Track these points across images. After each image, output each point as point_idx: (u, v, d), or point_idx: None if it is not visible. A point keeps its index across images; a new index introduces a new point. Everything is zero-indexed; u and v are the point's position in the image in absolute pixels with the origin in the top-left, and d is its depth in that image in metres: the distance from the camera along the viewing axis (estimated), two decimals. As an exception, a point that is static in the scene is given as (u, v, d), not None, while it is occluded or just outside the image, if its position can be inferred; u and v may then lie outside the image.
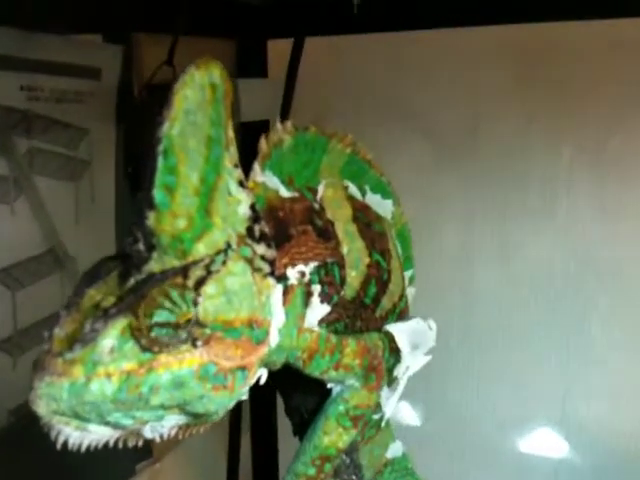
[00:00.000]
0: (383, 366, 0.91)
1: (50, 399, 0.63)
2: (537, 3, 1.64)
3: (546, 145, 1.87)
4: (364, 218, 1.00)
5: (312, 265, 0.84)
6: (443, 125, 1.97)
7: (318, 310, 0.86)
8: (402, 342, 0.99)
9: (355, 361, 0.88)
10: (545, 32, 1.73)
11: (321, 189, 0.94)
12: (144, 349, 0.65)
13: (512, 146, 1.91)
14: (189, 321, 0.66)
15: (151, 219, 0.63)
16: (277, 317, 0.77)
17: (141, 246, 0.68)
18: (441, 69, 1.93)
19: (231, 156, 0.69)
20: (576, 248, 1.91)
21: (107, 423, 0.66)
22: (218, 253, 0.70)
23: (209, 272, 0.69)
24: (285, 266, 0.82)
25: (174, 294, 0.66)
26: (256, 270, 0.71)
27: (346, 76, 2.01)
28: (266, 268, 0.75)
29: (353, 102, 2.01)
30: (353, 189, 1.02)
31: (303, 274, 0.83)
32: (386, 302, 0.99)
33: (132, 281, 0.67)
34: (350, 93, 2.01)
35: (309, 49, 1.79)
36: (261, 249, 0.74)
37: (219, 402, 0.71)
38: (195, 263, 0.68)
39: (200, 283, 0.68)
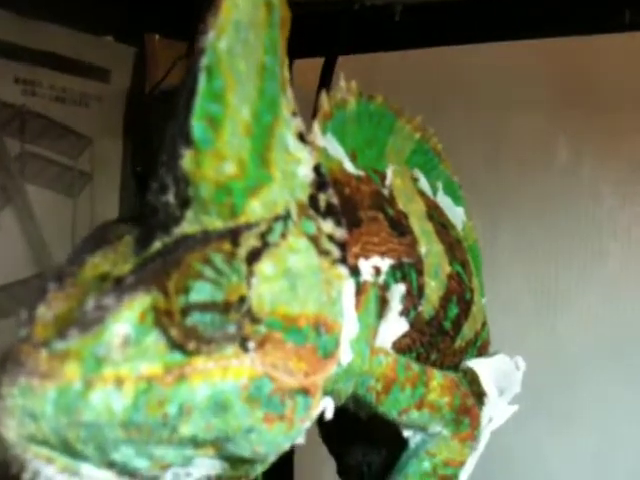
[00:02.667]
0: (478, 409, 0.68)
1: (26, 415, 0.41)
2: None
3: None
4: (439, 218, 0.79)
5: (388, 262, 0.62)
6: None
7: (394, 326, 0.64)
8: (488, 384, 0.75)
9: (443, 399, 0.66)
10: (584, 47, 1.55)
11: (389, 174, 0.74)
12: (174, 345, 0.44)
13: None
14: (242, 301, 0.44)
15: (187, 160, 0.46)
16: (349, 324, 0.55)
17: (171, 198, 0.46)
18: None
19: (288, 101, 0.52)
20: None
21: (111, 464, 0.44)
22: (276, 220, 0.49)
23: (265, 244, 0.48)
24: (356, 257, 0.60)
25: (220, 261, 0.44)
26: (322, 253, 0.53)
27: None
28: (335, 252, 0.54)
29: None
30: (424, 183, 0.81)
31: (378, 271, 0.61)
32: (467, 329, 0.78)
33: (157, 245, 0.46)
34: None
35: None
36: (328, 226, 0.54)
37: (271, 440, 0.49)
38: (248, 227, 0.47)
39: (254, 257, 0.47)
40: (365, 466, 0.73)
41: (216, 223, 0.47)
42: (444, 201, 0.84)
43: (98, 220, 1.30)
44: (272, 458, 0.52)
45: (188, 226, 0.47)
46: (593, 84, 1.62)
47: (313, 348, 0.50)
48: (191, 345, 0.44)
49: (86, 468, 0.43)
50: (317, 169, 0.54)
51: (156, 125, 1.26)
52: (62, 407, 0.41)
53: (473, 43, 1.59)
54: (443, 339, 0.76)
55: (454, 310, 0.77)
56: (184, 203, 0.47)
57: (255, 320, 0.47)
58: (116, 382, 0.42)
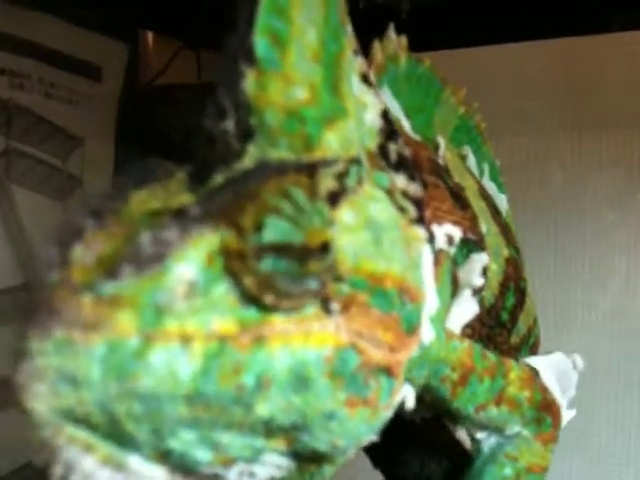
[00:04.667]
0: (559, 405, 0.59)
1: (62, 380, 0.32)
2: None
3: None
4: (490, 200, 0.71)
5: (459, 233, 0.54)
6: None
7: (467, 307, 0.55)
8: (552, 384, 0.66)
9: (523, 393, 0.57)
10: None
11: (442, 144, 0.65)
12: (248, 297, 0.35)
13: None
14: (325, 250, 0.36)
15: (250, 82, 0.39)
16: (429, 297, 0.46)
17: (231, 126, 0.38)
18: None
19: (349, 38, 0.44)
20: None
21: (165, 455, 0.35)
22: (352, 162, 0.41)
23: (343, 187, 0.39)
24: (429, 221, 0.51)
25: (301, 196, 0.35)
26: (399, 210, 0.45)
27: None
28: (411, 210, 0.45)
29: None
30: (472, 163, 0.73)
31: (451, 241, 0.52)
32: (522, 323, 0.70)
33: (219, 179, 0.37)
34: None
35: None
36: (401, 180, 0.46)
37: (352, 431, 0.40)
38: (325, 164, 0.38)
39: (333, 201, 0.38)
40: (424, 477, 0.63)
41: (286, 158, 0.38)
42: (489, 186, 0.76)
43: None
44: (345, 456, 0.42)
45: (250, 162, 0.38)
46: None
47: (397, 319, 0.41)
48: (268, 298, 0.35)
49: (134, 461, 0.34)
50: (385, 115, 0.46)
51: (150, 124, 1.18)
52: (113, 369, 0.32)
53: (481, 45, 1.54)
54: (500, 332, 0.67)
55: (511, 299, 0.68)
56: (245, 134, 0.38)
57: (337, 277, 0.38)
58: (182, 339, 0.33)
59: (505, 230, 0.71)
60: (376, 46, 0.59)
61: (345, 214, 0.39)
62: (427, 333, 0.46)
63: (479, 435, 0.58)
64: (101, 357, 0.31)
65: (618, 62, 1.49)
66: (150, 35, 1.30)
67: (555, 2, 1.44)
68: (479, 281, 0.54)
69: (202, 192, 0.36)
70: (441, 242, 0.51)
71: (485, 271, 0.60)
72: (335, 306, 0.37)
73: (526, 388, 0.56)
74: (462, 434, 0.64)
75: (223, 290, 0.34)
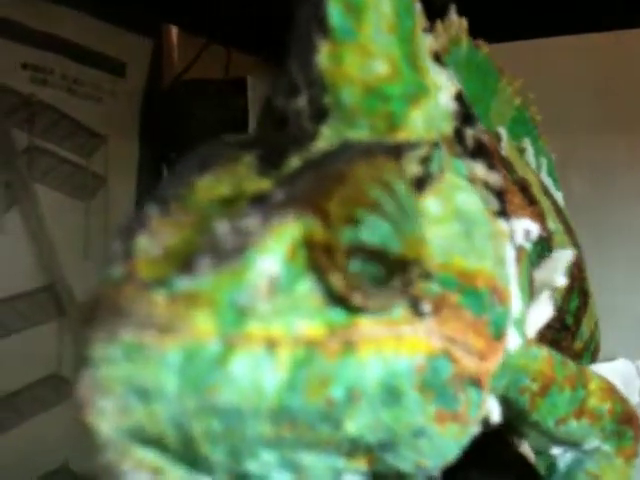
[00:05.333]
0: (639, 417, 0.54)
1: (132, 393, 0.26)
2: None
3: None
4: (551, 196, 0.66)
5: (536, 228, 0.49)
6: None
7: (544, 311, 0.50)
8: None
9: (604, 405, 0.52)
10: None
11: (504, 136, 0.60)
12: (335, 297, 0.30)
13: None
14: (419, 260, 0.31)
15: (324, 55, 0.35)
16: (514, 298, 0.42)
17: (303, 103, 0.33)
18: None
19: (418, 15, 0.40)
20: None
21: (241, 478, 0.30)
22: (434, 145, 0.36)
23: (427, 173, 0.35)
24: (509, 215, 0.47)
25: (401, 188, 0.30)
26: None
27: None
28: (494, 203, 0.40)
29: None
30: (530, 155, 0.68)
31: (529, 236, 0.48)
32: (585, 327, 0.65)
33: (295, 161, 0.32)
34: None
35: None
36: (480, 169, 0.42)
37: (440, 449, 0.36)
38: (410, 147, 0.34)
39: (418, 187, 0.34)
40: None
41: (366, 139, 0.34)
42: (547, 182, 0.72)
43: (112, 227, 1.16)
44: (425, 477, 0.38)
45: (325, 145, 0.34)
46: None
47: (487, 322, 0.37)
48: (357, 298, 0.30)
49: None
50: (459, 98, 0.41)
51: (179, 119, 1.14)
52: (191, 380, 0.27)
53: (506, 41, 1.48)
54: (565, 336, 0.63)
55: (575, 301, 0.64)
56: (319, 114, 0.34)
57: (426, 274, 0.33)
58: (267, 345, 0.28)
59: (568, 228, 0.66)
60: (439, 27, 0.55)
61: (431, 203, 0.34)
62: (512, 339, 0.42)
63: (554, 450, 0.53)
64: (177, 365, 0.27)
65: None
66: (174, 30, 1.26)
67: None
68: (562, 281, 0.50)
69: (278, 176, 0.32)
70: (520, 238, 0.47)
71: (570, 270, 0.56)
72: (426, 307, 0.33)
73: (607, 399, 0.52)
74: (525, 448, 0.60)
75: (307, 288, 0.30)
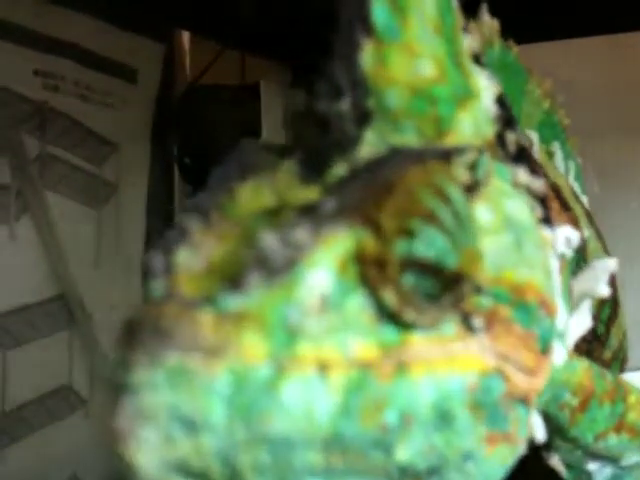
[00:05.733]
0: None
1: (177, 422, 0.25)
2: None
3: None
4: (581, 202, 0.65)
5: (576, 236, 0.47)
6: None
7: (583, 322, 0.49)
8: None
9: None
10: None
11: (535, 140, 0.59)
12: (388, 314, 0.29)
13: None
14: (473, 260, 0.30)
15: (368, 55, 0.33)
16: (558, 310, 0.40)
17: (346, 107, 0.32)
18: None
19: (458, 13, 0.39)
20: None
21: None
22: (481, 151, 0.34)
23: (476, 180, 0.33)
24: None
25: (458, 197, 0.30)
26: None
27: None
28: (537, 209, 0.38)
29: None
30: (559, 159, 0.66)
31: (570, 243, 0.46)
32: (614, 336, 0.62)
33: (340, 170, 0.30)
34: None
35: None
36: (523, 175, 0.40)
37: (488, 473, 0.34)
38: (459, 151, 0.32)
39: (468, 195, 0.33)
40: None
41: (414, 144, 0.32)
42: (575, 187, 0.70)
43: (123, 235, 1.14)
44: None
45: (370, 151, 0.32)
46: None
47: (535, 336, 0.35)
48: (409, 314, 0.28)
49: None
50: (501, 101, 0.40)
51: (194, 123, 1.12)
52: (240, 408, 0.25)
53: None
54: (596, 347, 0.61)
55: (607, 311, 0.62)
56: (362, 118, 0.32)
57: (478, 288, 0.31)
58: (319, 368, 0.26)
59: (599, 234, 0.65)
60: (473, 28, 0.53)
61: (481, 212, 0.33)
62: (558, 353, 0.40)
63: (591, 466, 0.51)
64: (226, 393, 0.25)
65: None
66: (186, 36, 1.25)
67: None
68: (605, 291, 0.48)
69: (324, 184, 0.30)
70: (562, 246, 0.45)
71: (612, 280, 0.54)
72: (478, 322, 0.31)
73: None
74: (555, 461, 0.58)
75: (359, 304, 0.28)
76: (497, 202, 0.34)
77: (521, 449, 0.35)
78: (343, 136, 0.32)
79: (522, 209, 0.36)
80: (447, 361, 0.29)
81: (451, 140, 0.33)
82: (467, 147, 0.33)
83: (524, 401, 0.34)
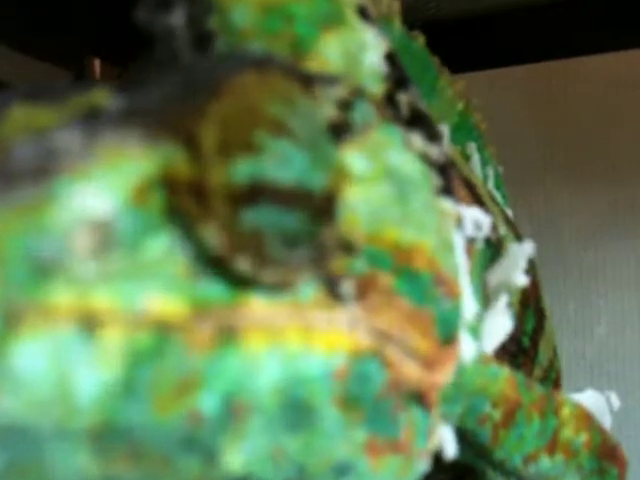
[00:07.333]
0: (622, 450, 0.47)
1: None
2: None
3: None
4: (501, 207, 0.60)
5: (487, 222, 0.42)
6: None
7: (502, 323, 0.43)
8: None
9: (580, 437, 0.44)
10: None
11: (446, 132, 0.54)
12: (211, 261, 0.22)
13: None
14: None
15: None
16: (465, 295, 0.34)
17: (179, 22, 0.27)
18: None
19: None
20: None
21: None
22: (357, 92, 0.29)
23: (348, 121, 0.28)
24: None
25: (309, 106, 0.24)
26: None
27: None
28: (434, 178, 0.33)
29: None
30: (476, 163, 0.62)
31: (480, 228, 0.41)
32: (543, 352, 0.56)
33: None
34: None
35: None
36: (418, 140, 0.34)
37: None
38: (324, 80, 0.26)
39: (336, 134, 0.26)
40: None
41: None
42: (495, 195, 0.65)
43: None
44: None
45: None
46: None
47: (431, 317, 0.29)
48: (244, 263, 0.22)
49: None
50: (391, 58, 0.35)
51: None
52: None
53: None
54: (524, 361, 0.55)
55: (531, 321, 0.57)
56: (202, 40, 0.27)
57: (347, 245, 0.25)
58: (81, 322, 0.19)
59: (521, 240, 0.60)
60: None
61: (354, 158, 0.27)
62: (467, 347, 0.34)
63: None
64: None
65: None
66: (97, 62, 1.19)
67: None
68: (523, 280, 0.42)
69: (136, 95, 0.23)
70: (469, 228, 0.39)
71: (532, 267, 0.49)
72: (348, 288, 0.25)
73: (584, 429, 0.43)
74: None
75: (164, 246, 0.21)
76: (377, 151, 0.28)
77: (421, 466, 0.29)
78: (174, 60, 0.26)
79: (409, 162, 0.30)
80: (301, 334, 0.22)
81: (313, 65, 0.28)
82: (337, 79, 0.27)
83: (420, 400, 0.28)
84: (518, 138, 1.35)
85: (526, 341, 0.55)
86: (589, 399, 0.60)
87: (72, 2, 1.06)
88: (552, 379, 0.63)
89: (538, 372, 0.58)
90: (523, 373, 0.54)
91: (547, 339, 0.60)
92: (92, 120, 0.21)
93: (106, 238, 0.20)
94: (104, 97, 0.22)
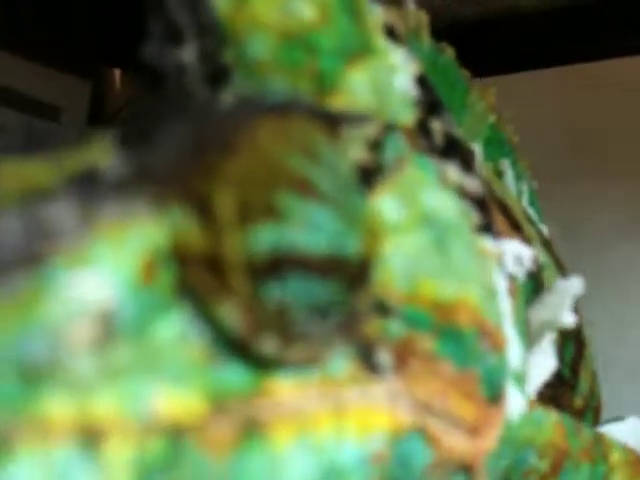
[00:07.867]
0: None
1: None
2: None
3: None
4: (537, 226, 0.57)
5: (528, 254, 0.39)
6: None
7: (546, 362, 0.40)
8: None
9: None
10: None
11: (478, 152, 0.51)
12: (231, 345, 0.19)
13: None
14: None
15: None
16: (510, 342, 0.31)
17: (191, 58, 0.24)
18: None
19: None
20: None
21: None
22: (388, 127, 0.26)
23: (378, 162, 0.24)
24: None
25: (321, 141, 0.20)
26: None
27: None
28: (474, 215, 0.31)
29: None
30: (510, 180, 0.58)
31: (521, 262, 0.37)
32: (583, 381, 0.52)
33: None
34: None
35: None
36: (454, 172, 0.31)
37: None
38: (350, 120, 0.23)
39: (367, 180, 0.23)
40: None
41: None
42: (529, 213, 0.62)
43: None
44: None
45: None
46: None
47: (475, 378, 0.26)
48: (270, 345, 0.19)
49: None
50: (422, 82, 0.32)
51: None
52: None
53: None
54: (564, 393, 0.52)
55: (570, 350, 0.54)
56: (217, 75, 0.24)
57: (383, 307, 0.22)
58: (84, 437, 0.16)
59: (559, 263, 0.56)
60: (392, 14, 0.45)
61: (387, 205, 0.24)
62: (514, 401, 0.31)
63: None
64: None
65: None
66: (117, 72, 1.17)
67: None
68: (570, 319, 0.39)
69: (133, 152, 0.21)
70: (511, 264, 0.36)
71: (577, 306, 0.46)
72: (385, 358, 0.22)
73: (636, 475, 0.41)
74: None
75: (175, 329, 0.18)
76: (411, 195, 0.25)
77: None
78: (187, 98, 0.23)
79: (447, 204, 0.27)
80: (334, 417, 0.20)
81: (339, 101, 0.25)
82: (367, 117, 0.24)
83: (466, 471, 0.25)
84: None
85: (567, 372, 0.52)
86: (630, 427, 0.57)
87: (87, 15, 1.05)
88: (593, 407, 0.60)
89: (579, 401, 0.55)
90: (564, 404, 0.51)
91: (587, 367, 0.57)
92: (90, 185, 0.18)
93: (108, 329, 0.17)
94: (104, 155, 0.19)
